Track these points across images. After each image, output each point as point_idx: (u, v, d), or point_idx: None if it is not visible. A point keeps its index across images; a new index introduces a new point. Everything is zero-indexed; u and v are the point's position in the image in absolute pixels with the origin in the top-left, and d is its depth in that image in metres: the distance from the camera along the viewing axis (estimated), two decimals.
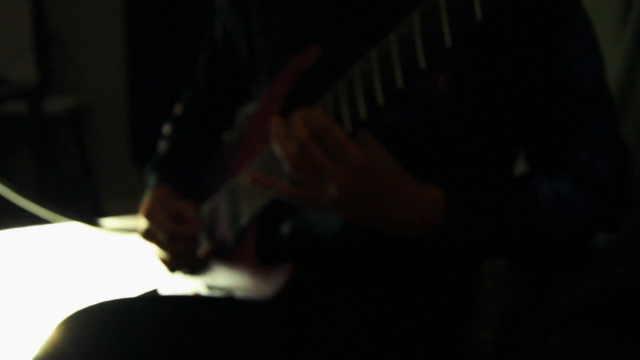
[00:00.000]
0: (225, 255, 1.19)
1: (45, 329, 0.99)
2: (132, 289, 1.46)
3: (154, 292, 1.35)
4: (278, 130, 0.88)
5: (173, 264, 1.20)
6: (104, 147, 3.76)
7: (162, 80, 3.57)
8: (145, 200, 1.20)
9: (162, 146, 1.33)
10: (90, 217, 2.65)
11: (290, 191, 0.92)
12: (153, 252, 1.19)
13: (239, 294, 1.14)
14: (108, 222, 2.64)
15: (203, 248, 1.24)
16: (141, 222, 1.19)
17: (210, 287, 1.22)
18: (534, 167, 0.98)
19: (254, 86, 1.18)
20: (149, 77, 3.66)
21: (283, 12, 1.10)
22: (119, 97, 3.72)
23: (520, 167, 1.08)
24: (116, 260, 2.33)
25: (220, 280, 1.20)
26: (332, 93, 0.91)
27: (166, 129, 1.35)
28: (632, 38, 1.17)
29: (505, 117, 0.98)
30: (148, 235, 1.18)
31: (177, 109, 1.36)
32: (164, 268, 1.21)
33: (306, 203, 0.92)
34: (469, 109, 0.98)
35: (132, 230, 2.54)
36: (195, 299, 1.16)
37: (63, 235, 2.52)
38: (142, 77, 3.68)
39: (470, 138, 0.99)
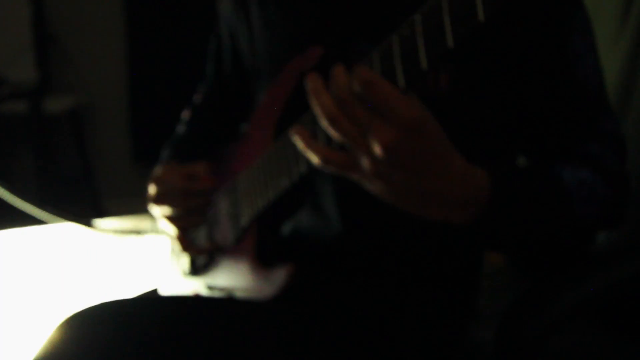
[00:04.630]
0: (226, 255, 1.19)
1: (45, 330, 0.99)
2: (132, 290, 1.46)
3: (154, 292, 1.35)
4: (315, 85, 0.80)
5: (185, 221, 1.21)
6: (104, 147, 3.76)
7: (162, 80, 3.57)
8: (156, 171, 1.23)
9: (179, 129, 1.37)
10: (88, 218, 2.65)
11: (328, 154, 0.81)
12: (163, 214, 1.20)
13: (239, 294, 1.14)
14: (108, 222, 2.65)
15: (203, 243, 1.24)
16: (151, 188, 1.21)
17: (210, 288, 1.22)
18: (543, 160, 0.97)
19: (256, 87, 1.18)
20: (149, 77, 3.66)
21: (284, 13, 1.10)
22: (119, 97, 3.72)
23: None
24: (116, 260, 2.33)
25: (221, 280, 1.20)
26: None
27: (185, 114, 1.39)
28: (632, 38, 1.18)
29: (507, 116, 0.98)
30: (160, 197, 1.19)
31: (196, 98, 1.38)
32: (174, 228, 1.22)
33: (344, 169, 0.81)
34: (471, 108, 0.98)
35: (132, 231, 2.54)
36: (196, 299, 1.16)
37: (63, 236, 2.52)
38: (142, 77, 3.68)
39: (472, 137, 0.99)
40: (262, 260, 1.11)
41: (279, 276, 1.05)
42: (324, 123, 0.79)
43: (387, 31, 0.82)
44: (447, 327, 1.07)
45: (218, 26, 1.30)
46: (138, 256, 2.32)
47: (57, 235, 2.51)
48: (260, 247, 1.12)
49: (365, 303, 1.05)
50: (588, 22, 0.97)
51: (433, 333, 1.05)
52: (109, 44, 3.69)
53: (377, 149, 0.76)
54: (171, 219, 1.21)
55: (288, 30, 1.10)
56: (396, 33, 0.81)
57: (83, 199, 3.55)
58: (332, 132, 0.79)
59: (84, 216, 2.64)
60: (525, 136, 1.00)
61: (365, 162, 0.79)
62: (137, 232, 2.51)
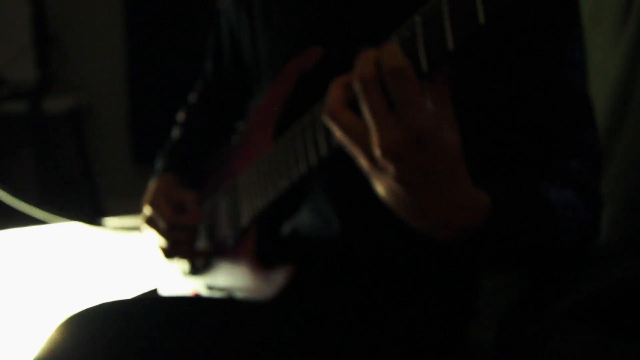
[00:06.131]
0: (226, 255, 1.19)
1: (45, 330, 0.99)
2: (132, 290, 1.46)
3: (154, 292, 1.35)
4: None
5: (171, 252, 1.23)
6: (104, 147, 3.76)
7: (162, 80, 3.57)
8: (150, 187, 1.24)
9: (175, 133, 1.37)
10: (92, 216, 2.65)
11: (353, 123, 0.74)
12: (153, 239, 1.21)
13: (239, 294, 1.14)
14: (108, 222, 2.65)
15: (202, 245, 1.24)
16: (145, 209, 1.22)
17: (210, 288, 1.22)
18: (527, 173, 0.95)
19: (256, 85, 1.18)
20: (149, 76, 3.67)
21: (286, 12, 1.10)
22: (119, 97, 3.72)
23: None
24: (116, 260, 2.33)
25: (221, 280, 1.20)
26: None
27: (180, 116, 1.39)
28: (632, 38, 1.17)
29: (503, 120, 0.97)
30: (150, 222, 1.21)
31: (192, 98, 1.39)
32: (161, 255, 1.24)
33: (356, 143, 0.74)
34: (467, 110, 0.97)
35: (132, 230, 2.54)
36: (195, 299, 1.16)
37: (63, 236, 2.52)
38: (142, 77, 3.68)
39: (467, 140, 0.99)
40: (261, 261, 1.11)
41: (279, 277, 1.05)
42: (357, 86, 0.72)
43: (388, 32, 0.82)
44: (447, 327, 1.07)
45: (217, 22, 1.30)
46: (139, 255, 2.32)
47: (58, 235, 2.51)
48: (260, 247, 1.12)
49: (365, 303, 1.05)
50: (583, 36, 0.96)
51: (433, 333, 1.05)
52: (109, 44, 3.69)
53: (376, 148, 0.72)
54: (158, 246, 1.22)
55: (289, 30, 1.10)
56: (396, 34, 0.80)
57: (83, 199, 3.55)
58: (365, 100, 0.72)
59: (86, 215, 2.65)
60: (511, 144, 0.96)
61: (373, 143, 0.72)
62: (139, 229, 2.52)
